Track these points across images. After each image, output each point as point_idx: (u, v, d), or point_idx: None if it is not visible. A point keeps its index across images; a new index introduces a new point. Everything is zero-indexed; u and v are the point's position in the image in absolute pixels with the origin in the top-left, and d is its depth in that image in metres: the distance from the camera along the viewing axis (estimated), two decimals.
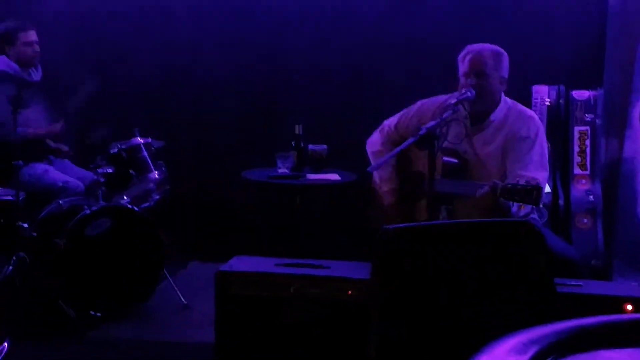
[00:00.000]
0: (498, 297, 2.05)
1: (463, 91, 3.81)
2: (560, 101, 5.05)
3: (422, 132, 3.53)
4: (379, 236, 2.11)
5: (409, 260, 2.02)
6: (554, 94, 5.06)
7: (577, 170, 4.99)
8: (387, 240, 2.07)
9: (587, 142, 4.98)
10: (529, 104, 4.95)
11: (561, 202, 4.98)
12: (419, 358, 2.03)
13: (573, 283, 3.24)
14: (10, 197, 4.29)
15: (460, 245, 2.10)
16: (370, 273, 2.06)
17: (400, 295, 2.01)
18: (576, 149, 5.00)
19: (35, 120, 4.71)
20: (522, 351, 1.44)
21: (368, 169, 3.69)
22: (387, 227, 2.12)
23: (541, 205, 3.65)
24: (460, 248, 2.09)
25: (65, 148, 5.06)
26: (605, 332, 1.56)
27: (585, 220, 4.95)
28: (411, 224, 3.38)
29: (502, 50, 3.95)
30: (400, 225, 2.12)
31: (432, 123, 3.56)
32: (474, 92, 3.81)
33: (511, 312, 2.02)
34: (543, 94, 5.07)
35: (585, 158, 4.98)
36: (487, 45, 3.95)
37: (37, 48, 4.95)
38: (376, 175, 4.09)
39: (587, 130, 4.99)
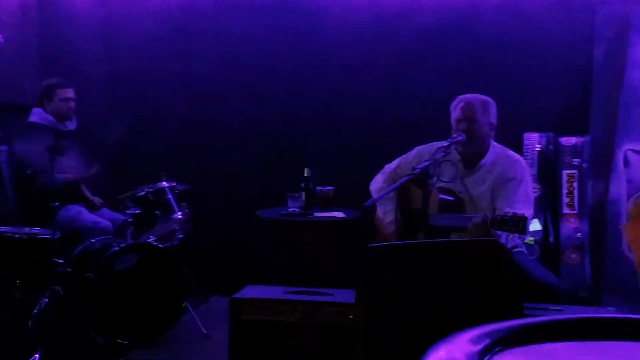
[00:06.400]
0: (468, 305, 2.17)
1: (455, 135, 3.94)
2: (550, 147, 5.13)
3: (416, 171, 3.66)
4: (365, 253, 2.23)
5: (389, 274, 2.15)
6: (544, 140, 5.14)
7: (565, 210, 5.05)
8: (371, 256, 2.21)
9: (575, 184, 5.04)
10: (520, 150, 5.04)
11: (551, 238, 5.04)
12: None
13: (554, 308, 3.35)
14: (47, 236, 4.37)
15: (435, 261, 2.22)
16: (357, 285, 2.18)
17: (381, 305, 2.13)
18: (565, 190, 5.06)
19: (71, 167, 4.82)
20: (476, 342, 1.57)
21: (365, 203, 3.73)
22: (372, 244, 2.24)
23: (529, 237, 3.75)
24: (436, 264, 2.22)
25: (98, 202, 5.21)
26: (550, 328, 1.67)
27: (573, 256, 5.00)
28: (392, 242, 3.50)
29: (489, 99, 4.08)
30: (383, 243, 2.26)
31: (425, 163, 3.69)
32: (464, 135, 3.94)
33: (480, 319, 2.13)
34: (534, 140, 5.15)
35: (573, 199, 5.04)
36: (476, 95, 4.08)
37: (72, 105, 5.08)
38: (380, 210, 4.17)
39: (574, 173, 5.06)
